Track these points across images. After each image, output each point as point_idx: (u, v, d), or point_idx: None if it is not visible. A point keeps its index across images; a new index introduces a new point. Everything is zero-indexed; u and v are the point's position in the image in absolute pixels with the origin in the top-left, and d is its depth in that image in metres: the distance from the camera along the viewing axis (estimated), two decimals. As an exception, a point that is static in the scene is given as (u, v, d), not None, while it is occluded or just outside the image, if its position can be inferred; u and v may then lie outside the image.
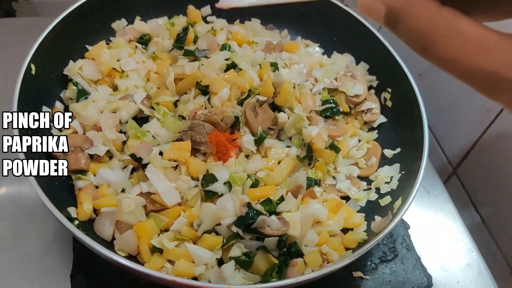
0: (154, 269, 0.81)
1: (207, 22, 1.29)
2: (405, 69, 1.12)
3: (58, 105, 1.03)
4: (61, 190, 0.90)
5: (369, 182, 1.07)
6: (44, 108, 0.99)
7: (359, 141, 1.13)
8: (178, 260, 0.82)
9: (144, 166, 0.91)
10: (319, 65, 1.24)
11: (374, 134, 1.15)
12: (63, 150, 0.92)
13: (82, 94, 1.02)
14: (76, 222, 0.85)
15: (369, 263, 0.98)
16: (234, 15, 1.32)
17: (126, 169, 0.94)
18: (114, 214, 0.86)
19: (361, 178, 1.08)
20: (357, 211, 1.00)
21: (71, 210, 0.87)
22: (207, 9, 1.30)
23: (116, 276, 0.89)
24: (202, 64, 1.11)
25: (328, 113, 1.11)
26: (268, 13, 1.33)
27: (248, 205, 0.86)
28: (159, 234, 0.87)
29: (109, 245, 0.86)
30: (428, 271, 1.00)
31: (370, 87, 1.22)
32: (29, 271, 0.91)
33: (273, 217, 0.85)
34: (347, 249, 0.92)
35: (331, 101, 1.12)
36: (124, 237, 0.84)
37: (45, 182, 0.83)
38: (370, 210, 1.00)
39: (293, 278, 0.73)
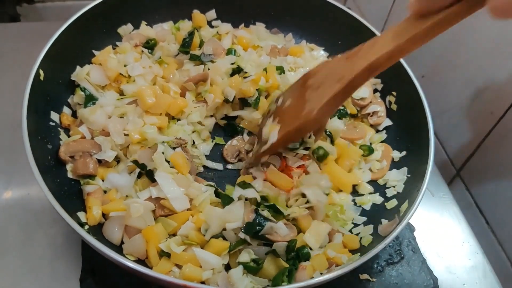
0: (162, 273, 0.81)
1: (212, 27, 1.30)
2: (408, 71, 1.12)
3: (66, 110, 1.04)
4: (70, 195, 0.91)
5: (375, 185, 1.08)
6: (52, 113, 1.00)
7: (370, 143, 1.14)
8: (184, 263, 0.83)
9: (148, 172, 0.92)
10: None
11: (383, 135, 1.16)
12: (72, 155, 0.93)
13: (90, 99, 1.03)
14: (86, 227, 0.85)
15: (375, 266, 0.99)
16: (239, 19, 1.33)
17: (133, 173, 0.95)
18: (123, 219, 0.87)
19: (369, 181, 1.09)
20: (363, 215, 1.01)
21: (81, 215, 0.88)
22: (212, 14, 1.31)
23: (125, 280, 0.90)
24: (208, 69, 1.12)
25: (337, 115, 1.12)
26: (272, 17, 1.34)
27: (256, 211, 0.87)
28: (167, 239, 0.87)
29: (118, 249, 0.87)
30: (434, 273, 1.01)
31: (375, 90, 1.22)
32: (38, 276, 0.92)
33: (280, 223, 0.86)
34: (350, 251, 0.93)
35: None
36: (132, 241, 0.85)
37: (55, 187, 0.83)
38: (377, 213, 1.01)
39: (303, 282, 0.74)
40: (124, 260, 0.74)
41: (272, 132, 0.90)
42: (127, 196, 0.93)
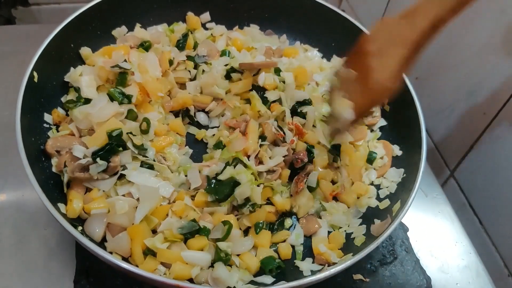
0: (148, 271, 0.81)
1: (206, 29, 1.31)
2: (402, 73, 1.13)
3: (60, 110, 1.04)
4: (64, 196, 0.91)
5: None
6: (46, 114, 1.00)
7: (368, 141, 1.14)
8: (171, 262, 0.83)
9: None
10: (319, 69, 1.25)
11: (378, 133, 1.17)
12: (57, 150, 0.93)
13: (82, 98, 1.03)
14: (80, 228, 0.85)
15: (369, 266, 0.99)
16: (233, 21, 1.33)
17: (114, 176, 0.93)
18: (105, 216, 0.87)
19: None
20: (358, 217, 1.02)
21: (61, 207, 0.86)
22: (206, 16, 1.31)
23: (119, 281, 0.89)
24: (203, 70, 1.12)
25: None
26: (266, 19, 1.35)
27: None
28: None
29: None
30: (427, 273, 1.01)
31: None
32: (32, 277, 0.92)
33: None
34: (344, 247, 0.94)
35: None
36: (117, 239, 0.85)
37: (49, 189, 0.84)
38: (370, 213, 1.02)
39: (295, 281, 0.74)
40: (120, 262, 0.74)
41: (345, 109, 0.85)
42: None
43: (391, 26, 0.77)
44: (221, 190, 0.92)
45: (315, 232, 0.97)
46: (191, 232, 0.87)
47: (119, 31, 1.22)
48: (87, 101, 1.01)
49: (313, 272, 0.88)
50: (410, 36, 0.72)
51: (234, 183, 0.91)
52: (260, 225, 0.93)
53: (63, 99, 1.05)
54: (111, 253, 0.84)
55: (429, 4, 0.68)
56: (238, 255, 0.88)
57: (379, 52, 0.78)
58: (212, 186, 0.93)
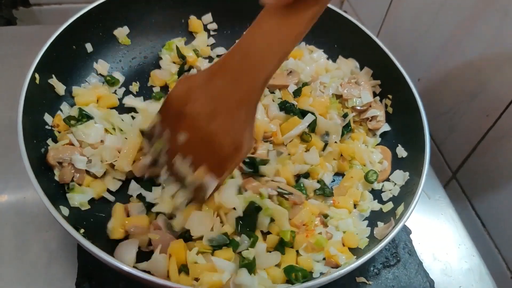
0: (160, 278, 0.80)
1: (208, 30, 1.30)
2: (404, 74, 1.13)
3: (61, 114, 1.03)
4: (66, 199, 0.91)
5: (374, 193, 1.08)
6: (48, 116, 0.99)
7: (366, 146, 1.14)
8: (200, 275, 0.82)
9: None
10: (325, 70, 1.25)
11: (378, 139, 1.16)
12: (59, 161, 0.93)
13: (85, 116, 1.02)
14: (82, 231, 0.84)
15: (372, 269, 0.99)
16: (235, 22, 1.32)
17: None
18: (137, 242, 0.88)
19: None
20: (362, 220, 1.01)
21: (63, 209, 0.86)
22: (208, 17, 1.31)
23: (121, 285, 0.89)
24: None
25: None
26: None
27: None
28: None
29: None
30: (430, 275, 1.01)
31: (374, 94, 1.22)
32: (33, 280, 0.91)
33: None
34: (350, 249, 0.94)
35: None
36: (154, 260, 0.84)
37: (50, 191, 0.83)
38: (373, 216, 1.02)
39: (298, 285, 0.74)
40: (121, 264, 0.74)
41: (207, 180, 0.80)
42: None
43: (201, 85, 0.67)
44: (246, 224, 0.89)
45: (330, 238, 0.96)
46: (219, 245, 0.87)
47: (121, 31, 1.21)
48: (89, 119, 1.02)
49: (322, 274, 0.88)
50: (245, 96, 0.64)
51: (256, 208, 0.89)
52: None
53: (62, 107, 1.04)
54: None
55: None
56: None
57: (213, 112, 0.67)
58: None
